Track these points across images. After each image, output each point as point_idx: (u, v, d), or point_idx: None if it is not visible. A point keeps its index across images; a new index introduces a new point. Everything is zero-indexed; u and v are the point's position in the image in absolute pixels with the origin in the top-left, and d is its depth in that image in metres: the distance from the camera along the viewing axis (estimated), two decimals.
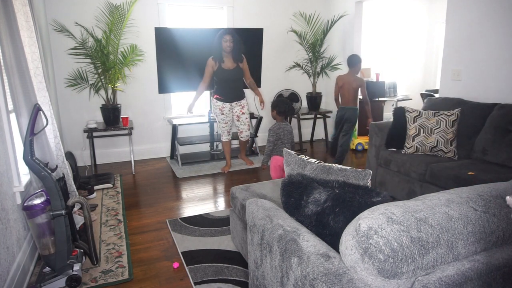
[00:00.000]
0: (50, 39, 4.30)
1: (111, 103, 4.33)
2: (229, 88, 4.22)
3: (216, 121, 4.81)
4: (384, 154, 3.42)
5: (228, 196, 3.69)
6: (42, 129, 2.47)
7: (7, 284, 1.94)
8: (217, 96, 4.27)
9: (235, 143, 5.10)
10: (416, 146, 3.20)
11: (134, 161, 4.72)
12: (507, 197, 1.16)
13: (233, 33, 4.08)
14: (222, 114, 4.31)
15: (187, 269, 2.37)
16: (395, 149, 3.39)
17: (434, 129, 3.14)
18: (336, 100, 4.53)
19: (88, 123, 4.24)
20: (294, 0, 5.48)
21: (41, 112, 2.41)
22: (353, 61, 4.30)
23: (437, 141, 3.13)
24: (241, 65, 4.22)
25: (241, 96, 4.34)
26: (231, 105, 4.29)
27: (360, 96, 4.48)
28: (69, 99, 4.53)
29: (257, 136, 5.15)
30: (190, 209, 3.35)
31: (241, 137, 4.50)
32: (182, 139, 4.81)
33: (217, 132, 5.19)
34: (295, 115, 5.28)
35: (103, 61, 4.10)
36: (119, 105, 4.32)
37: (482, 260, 1.08)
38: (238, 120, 4.37)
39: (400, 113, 3.36)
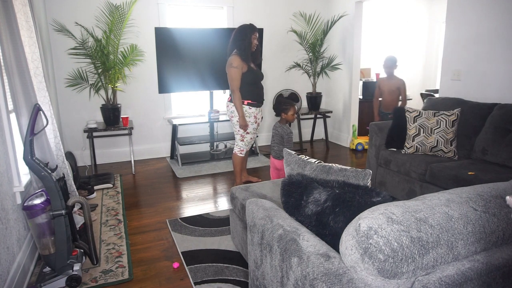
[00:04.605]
0: (50, 39, 4.30)
1: (111, 103, 4.33)
2: (260, 89, 3.65)
3: (215, 124, 4.84)
4: (384, 154, 3.42)
5: (228, 196, 3.68)
6: (42, 129, 2.47)
7: (7, 284, 1.94)
8: (250, 101, 3.56)
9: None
10: (416, 146, 3.20)
11: (134, 161, 4.72)
12: (507, 197, 1.16)
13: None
14: (256, 122, 3.65)
15: (187, 269, 2.37)
16: (395, 149, 3.39)
17: (434, 129, 3.14)
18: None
19: (88, 123, 4.24)
20: (294, 0, 5.48)
21: (41, 112, 2.41)
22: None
23: (437, 141, 3.13)
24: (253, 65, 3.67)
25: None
26: (258, 110, 3.66)
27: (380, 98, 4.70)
28: (69, 99, 4.53)
29: (257, 136, 5.14)
30: (190, 209, 3.35)
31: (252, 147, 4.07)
32: (182, 139, 4.81)
33: (217, 132, 5.19)
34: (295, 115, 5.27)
35: (103, 61, 4.10)
36: (119, 105, 4.32)
37: (482, 260, 1.08)
38: (257, 127, 3.75)
39: (400, 113, 3.36)
